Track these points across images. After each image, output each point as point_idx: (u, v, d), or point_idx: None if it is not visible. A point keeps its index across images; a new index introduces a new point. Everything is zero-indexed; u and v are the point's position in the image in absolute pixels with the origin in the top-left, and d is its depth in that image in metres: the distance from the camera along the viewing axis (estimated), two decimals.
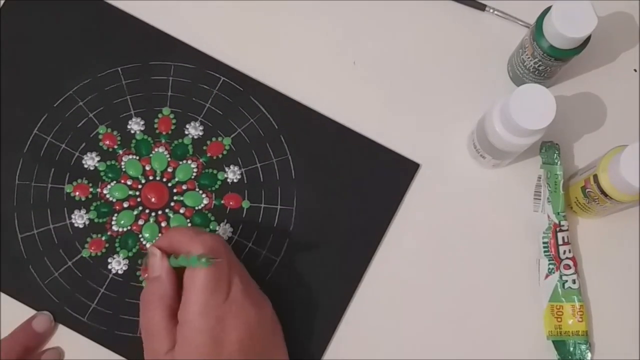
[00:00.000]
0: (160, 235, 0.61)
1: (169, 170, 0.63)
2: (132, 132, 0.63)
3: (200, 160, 0.63)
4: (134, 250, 0.61)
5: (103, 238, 0.61)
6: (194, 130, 0.63)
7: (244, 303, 0.52)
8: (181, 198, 0.62)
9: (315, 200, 0.62)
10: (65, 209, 0.61)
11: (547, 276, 0.61)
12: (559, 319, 0.61)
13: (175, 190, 0.62)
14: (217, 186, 0.62)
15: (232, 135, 0.63)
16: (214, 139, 0.63)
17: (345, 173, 0.63)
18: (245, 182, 0.63)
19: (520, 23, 0.66)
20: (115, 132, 0.63)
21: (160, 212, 0.62)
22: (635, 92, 0.66)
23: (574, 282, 0.61)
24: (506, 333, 0.61)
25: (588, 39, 0.57)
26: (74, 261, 0.61)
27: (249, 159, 0.63)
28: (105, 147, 0.63)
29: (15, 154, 0.62)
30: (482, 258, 0.62)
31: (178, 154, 0.63)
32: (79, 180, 0.62)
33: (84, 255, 0.61)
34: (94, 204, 0.62)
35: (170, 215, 0.62)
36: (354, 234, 0.62)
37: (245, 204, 0.62)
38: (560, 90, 0.65)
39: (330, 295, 0.61)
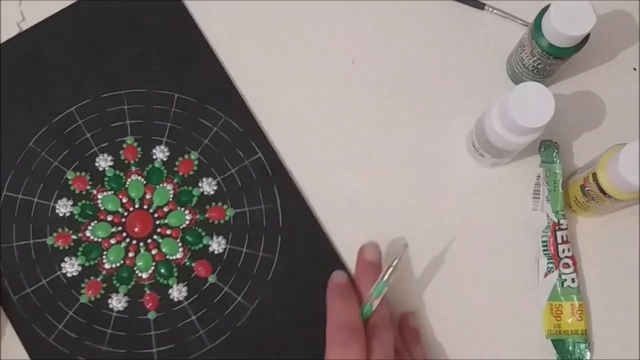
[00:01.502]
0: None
1: (147, 196, 0.62)
2: (101, 169, 0.62)
3: (175, 181, 0.63)
4: (131, 282, 0.60)
5: (99, 279, 0.60)
6: (161, 153, 0.63)
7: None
8: (165, 221, 0.62)
9: (298, 193, 0.63)
10: (53, 261, 0.61)
11: (546, 275, 0.61)
12: (558, 318, 0.60)
13: (156, 215, 0.62)
14: (196, 201, 0.62)
15: (199, 149, 0.63)
16: (181, 157, 0.63)
17: None
18: (225, 190, 0.62)
19: (519, 21, 0.66)
20: (83, 173, 0.62)
21: (149, 240, 0.61)
22: (635, 90, 0.65)
23: (573, 280, 0.60)
24: (505, 332, 0.61)
25: (587, 37, 0.57)
26: (75, 309, 0.60)
27: (221, 168, 0.63)
28: (77, 191, 0.62)
29: None
30: (481, 257, 0.62)
31: (152, 180, 0.62)
32: (59, 230, 0.61)
33: (82, 302, 0.60)
34: (80, 248, 0.61)
35: (159, 240, 0.61)
36: None
37: (230, 212, 0.62)
38: (559, 88, 0.65)
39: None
